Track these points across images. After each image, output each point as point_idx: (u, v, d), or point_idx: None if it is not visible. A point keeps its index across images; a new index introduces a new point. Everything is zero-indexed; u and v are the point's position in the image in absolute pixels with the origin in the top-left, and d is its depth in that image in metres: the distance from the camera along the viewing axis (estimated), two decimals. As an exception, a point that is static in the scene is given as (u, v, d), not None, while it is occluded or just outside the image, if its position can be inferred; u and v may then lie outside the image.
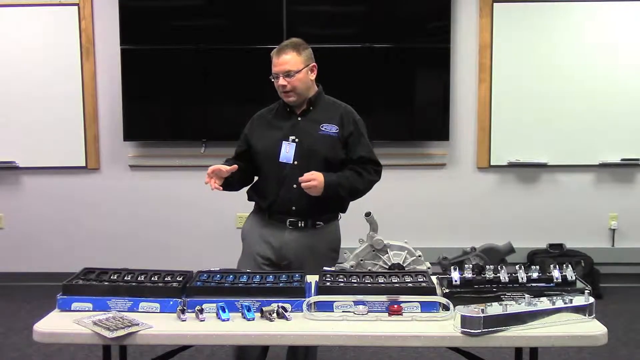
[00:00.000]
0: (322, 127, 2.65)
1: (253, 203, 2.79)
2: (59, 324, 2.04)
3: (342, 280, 2.24)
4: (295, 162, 2.61)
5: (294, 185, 2.60)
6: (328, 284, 2.19)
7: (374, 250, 2.54)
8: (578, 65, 4.69)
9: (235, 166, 2.60)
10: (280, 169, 2.63)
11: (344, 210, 2.79)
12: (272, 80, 2.64)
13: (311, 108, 2.69)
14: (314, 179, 2.52)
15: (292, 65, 2.59)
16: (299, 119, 2.68)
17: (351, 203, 4.69)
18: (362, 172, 2.66)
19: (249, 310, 2.07)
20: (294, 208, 2.64)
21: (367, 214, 2.60)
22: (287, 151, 2.62)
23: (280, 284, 2.21)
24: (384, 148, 4.77)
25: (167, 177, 4.85)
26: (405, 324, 2.03)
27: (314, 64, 2.68)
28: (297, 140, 2.63)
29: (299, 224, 2.65)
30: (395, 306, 2.07)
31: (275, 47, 2.70)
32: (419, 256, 2.54)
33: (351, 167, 2.66)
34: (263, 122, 2.75)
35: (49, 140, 4.78)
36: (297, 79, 2.60)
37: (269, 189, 2.67)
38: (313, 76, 2.68)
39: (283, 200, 2.64)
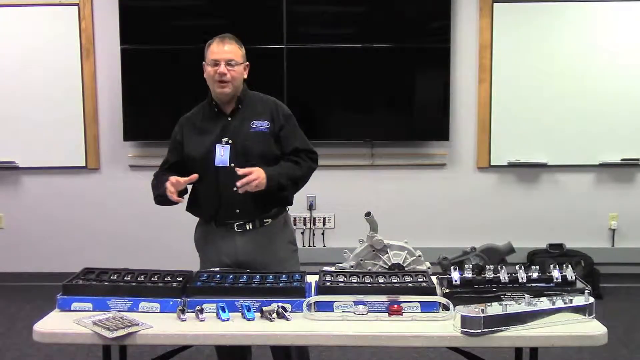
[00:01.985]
0: (252, 124, 2.55)
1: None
2: (59, 324, 2.04)
3: (342, 280, 2.24)
4: (232, 164, 2.51)
5: (234, 188, 2.48)
6: (328, 284, 2.19)
7: (374, 250, 2.54)
8: (578, 65, 4.69)
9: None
10: (217, 174, 2.52)
11: (290, 203, 2.69)
12: (208, 67, 2.52)
13: (240, 106, 2.59)
14: (251, 173, 2.41)
15: (235, 56, 2.51)
16: (229, 119, 2.58)
17: (351, 203, 4.70)
18: (298, 160, 2.59)
19: (249, 310, 2.07)
20: (238, 211, 2.53)
21: (367, 214, 2.60)
22: (222, 154, 2.51)
23: (280, 284, 2.21)
24: (384, 148, 4.79)
25: (167, 177, 4.84)
26: (405, 324, 2.03)
27: (248, 63, 2.61)
28: (230, 141, 2.53)
29: (247, 226, 2.56)
30: (395, 306, 2.07)
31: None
32: (419, 256, 2.54)
33: (286, 159, 2.59)
34: (192, 127, 2.62)
35: (49, 140, 4.79)
36: (237, 71, 2.51)
37: (209, 196, 2.57)
38: (246, 75, 2.60)
39: (226, 205, 2.53)
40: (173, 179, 2.45)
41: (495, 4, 4.68)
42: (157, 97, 4.75)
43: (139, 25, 4.68)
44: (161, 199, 2.53)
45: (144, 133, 4.78)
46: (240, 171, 2.42)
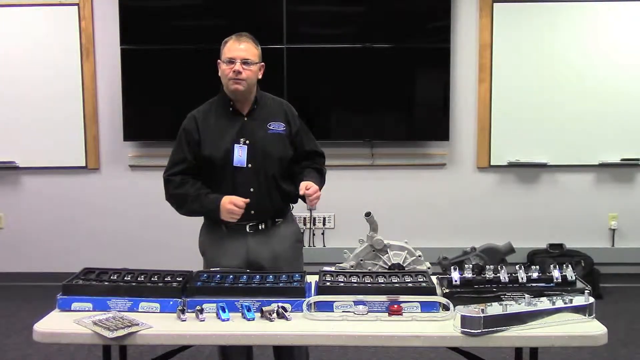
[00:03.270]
0: (269, 125, 2.56)
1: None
2: (59, 324, 2.04)
3: (342, 280, 2.24)
4: (249, 165, 2.51)
5: (251, 189, 2.51)
6: (328, 284, 2.19)
7: (374, 250, 2.54)
8: (578, 65, 4.69)
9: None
10: (234, 174, 2.51)
11: (296, 201, 2.68)
12: (223, 64, 2.51)
13: (255, 107, 2.58)
14: (316, 191, 2.47)
15: (251, 55, 2.50)
16: (246, 119, 2.56)
17: (351, 203, 4.71)
18: (319, 167, 2.65)
19: (249, 310, 2.07)
20: (252, 212, 2.51)
21: (367, 214, 2.59)
22: (240, 154, 2.50)
23: (280, 284, 2.21)
24: (384, 148, 4.79)
25: (167, 177, 4.83)
26: (405, 324, 2.03)
27: (263, 64, 2.61)
28: (248, 142, 2.52)
29: (260, 227, 2.56)
30: (395, 306, 2.07)
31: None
32: (419, 256, 2.54)
33: (308, 165, 2.62)
34: (208, 125, 2.56)
35: (49, 140, 4.79)
36: (252, 70, 2.50)
37: None
38: (260, 75, 2.60)
39: None
40: (236, 202, 2.44)
41: (495, 4, 4.67)
42: (157, 97, 4.75)
43: (139, 25, 4.68)
44: (211, 214, 2.52)
45: (144, 133, 4.78)
46: (311, 191, 2.45)
